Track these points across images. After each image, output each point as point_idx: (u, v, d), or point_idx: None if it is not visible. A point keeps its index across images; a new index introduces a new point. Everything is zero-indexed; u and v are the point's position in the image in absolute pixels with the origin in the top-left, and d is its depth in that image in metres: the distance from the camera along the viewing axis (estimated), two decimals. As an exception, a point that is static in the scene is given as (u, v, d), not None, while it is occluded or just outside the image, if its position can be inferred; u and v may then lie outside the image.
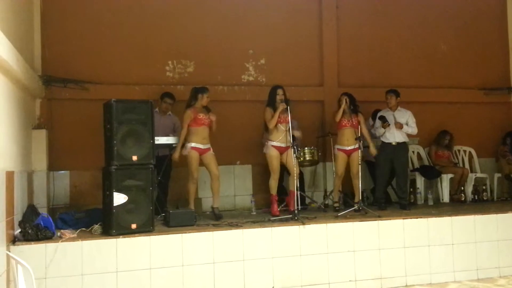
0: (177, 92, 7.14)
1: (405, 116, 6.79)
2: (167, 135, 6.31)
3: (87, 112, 6.60)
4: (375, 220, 5.56)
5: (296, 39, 7.83)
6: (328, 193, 7.25)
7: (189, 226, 5.27)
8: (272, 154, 6.11)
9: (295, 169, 5.92)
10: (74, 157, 6.70)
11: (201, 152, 5.92)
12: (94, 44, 6.97)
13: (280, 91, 6.15)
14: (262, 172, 7.44)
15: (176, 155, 5.96)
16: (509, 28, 8.83)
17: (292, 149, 5.78)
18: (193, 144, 5.88)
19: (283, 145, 6.01)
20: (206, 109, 6.06)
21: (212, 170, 5.95)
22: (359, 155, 6.25)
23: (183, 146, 5.97)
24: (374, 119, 7.33)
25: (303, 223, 5.31)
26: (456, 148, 8.23)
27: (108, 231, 4.86)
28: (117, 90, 6.63)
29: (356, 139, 6.31)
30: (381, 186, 6.81)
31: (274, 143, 6.10)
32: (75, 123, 6.76)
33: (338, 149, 6.51)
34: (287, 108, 5.94)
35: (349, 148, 6.44)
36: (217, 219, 5.81)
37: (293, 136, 5.87)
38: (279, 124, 6.04)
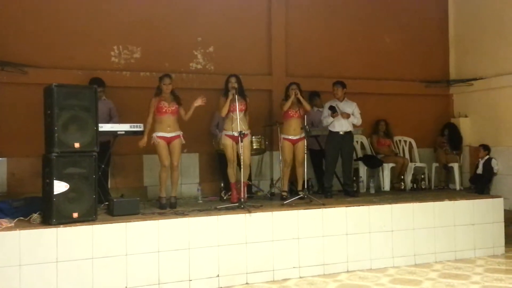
0: (123, 79, 6.97)
1: (352, 107, 6.95)
2: (104, 120, 6.16)
3: (26, 97, 6.34)
4: (319, 208, 5.68)
5: (245, 28, 7.82)
6: (274, 182, 7.33)
7: (134, 214, 5.19)
8: (227, 143, 6.11)
9: (245, 159, 6.00)
10: (12, 143, 6.44)
11: (168, 140, 5.86)
12: (34, 26, 6.67)
13: (232, 79, 6.15)
14: (209, 160, 7.43)
15: (142, 142, 5.88)
16: (450, 25, 9.22)
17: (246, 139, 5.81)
18: (158, 133, 5.84)
19: (235, 134, 5.91)
20: (175, 98, 5.98)
21: (171, 160, 5.88)
22: (305, 144, 6.35)
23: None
24: (311, 100, 7.48)
25: (249, 211, 5.36)
26: (397, 138, 8.54)
27: (48, 220, 4.71)
28: (59, 75, 6.37)
29: (301, 128, 6.38)
30: (329, 175, 6.95)
31: (227, 133, 6.10)
32: (13, 108, 6.49)
33: (284, 138, 6.58)
34: (239, 96, 5.98)
35: (295, 137, 6.53)
36: (172, 207, 5.79)
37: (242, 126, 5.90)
38: (231, 113, 6.02)
